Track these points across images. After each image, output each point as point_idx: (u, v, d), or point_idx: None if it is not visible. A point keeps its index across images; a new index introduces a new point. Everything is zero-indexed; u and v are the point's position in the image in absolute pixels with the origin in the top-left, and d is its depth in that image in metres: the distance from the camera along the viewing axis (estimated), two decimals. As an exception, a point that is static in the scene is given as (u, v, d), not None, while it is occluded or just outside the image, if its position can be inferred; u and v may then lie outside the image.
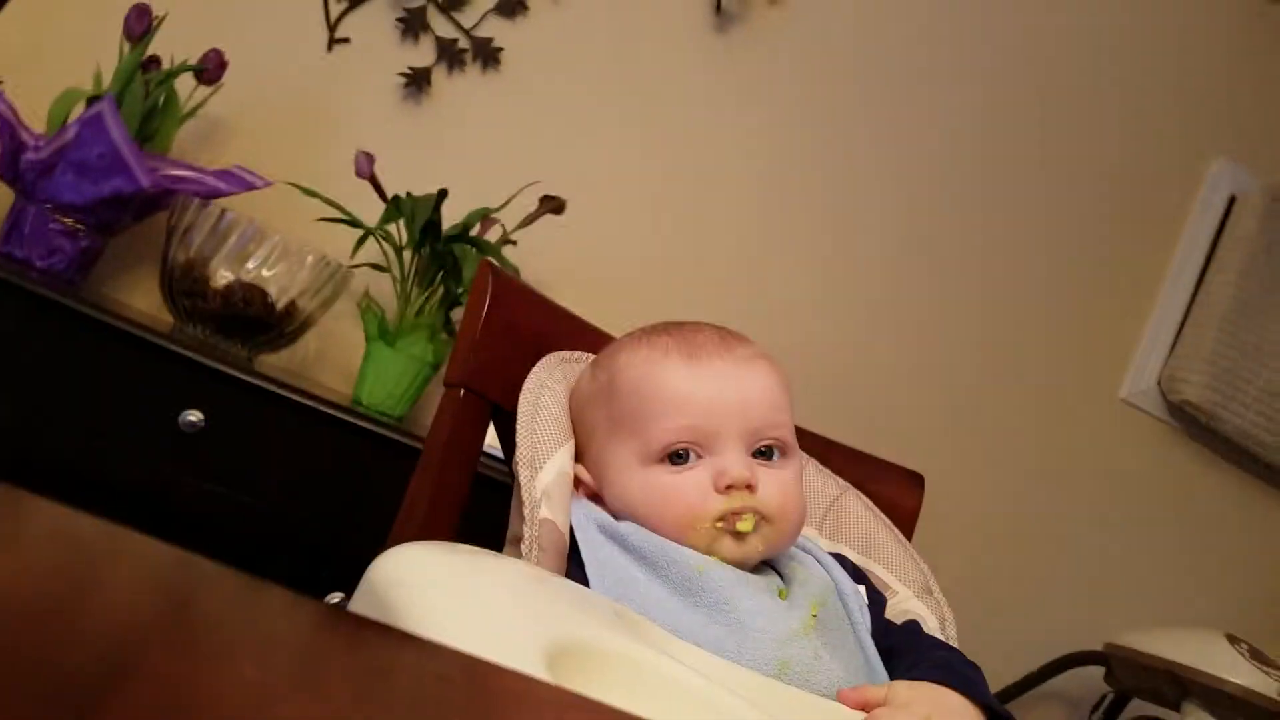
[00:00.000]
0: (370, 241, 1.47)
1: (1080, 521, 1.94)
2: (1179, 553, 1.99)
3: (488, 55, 1.67)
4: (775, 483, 0.75)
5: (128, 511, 1.01)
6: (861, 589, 0.81)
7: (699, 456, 0.75)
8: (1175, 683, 1.53)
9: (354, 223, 1.45)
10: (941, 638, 0.86)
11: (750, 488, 0.74)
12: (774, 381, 0.78)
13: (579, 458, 0.81)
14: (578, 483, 0.79)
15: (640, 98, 1.74)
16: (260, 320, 1.33)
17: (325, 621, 0.31)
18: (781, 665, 0.68)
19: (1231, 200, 1.96)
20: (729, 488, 0.73)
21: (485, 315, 0.86)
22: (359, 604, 0.51)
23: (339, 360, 1.59)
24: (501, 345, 0.87)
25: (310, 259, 1.36)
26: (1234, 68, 2.02)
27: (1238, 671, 1.48)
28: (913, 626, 0.83)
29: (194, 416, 1.15)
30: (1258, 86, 2.03)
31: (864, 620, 0.78)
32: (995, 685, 1.07)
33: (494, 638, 0.45)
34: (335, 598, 1.11)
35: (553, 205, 1.57)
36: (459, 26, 1.66)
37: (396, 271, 1.49)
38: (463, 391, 0.85)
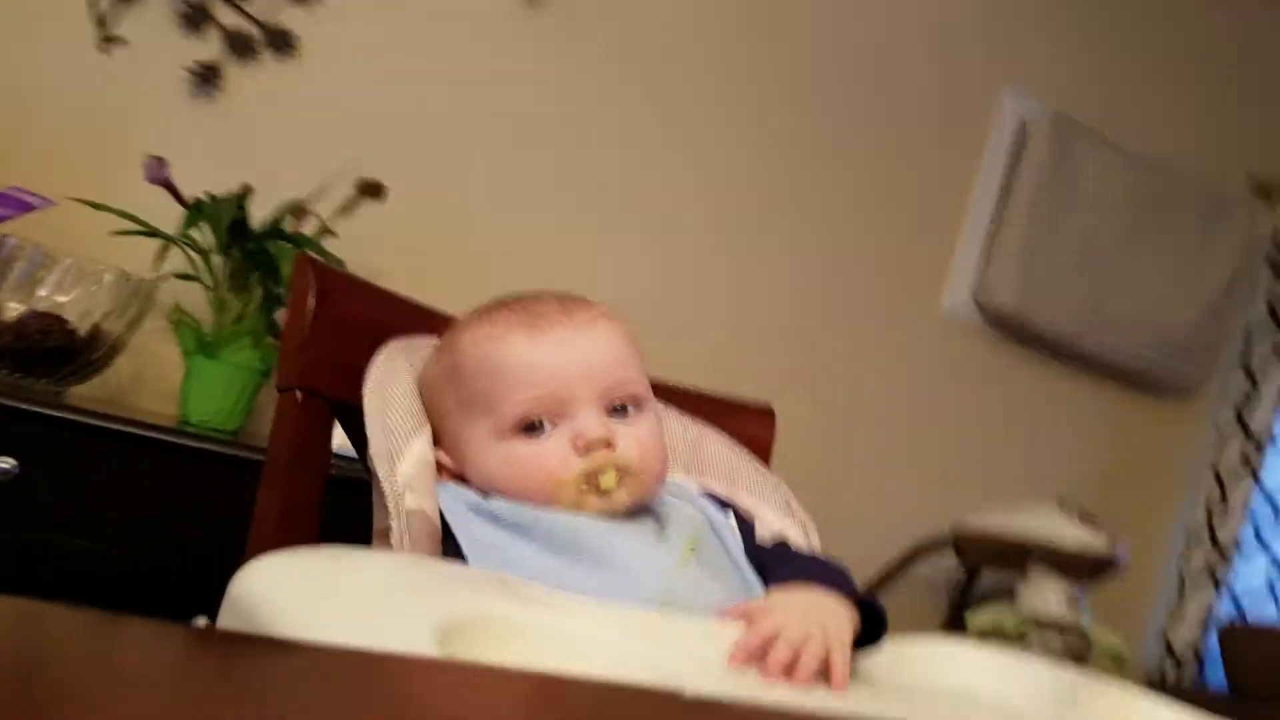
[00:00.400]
0: (176, 251, 1.38)
1: (917, 425, 2.06)
2: (1008, 439, 2.14)
3: (281, 42, 1.58)
4: (632, 436, 0.77)
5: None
6: (731, 519, 0.84)
7: (554, 424, 0.75)
8: (1018, 551, 1.66)
9: (152, 232, 1.36)
10: (807, 548, 0.90)
11: (609, 445, 0.75)
12: (619, 339, 0.80)
13: (437, 442, 0.79)
14: (440, 468, 0.78)
15: (449, 74, 1.69)
16: (63, 350, 1.24)
17: (193, 647, 0.30)
18: (665, 596, 0.71)
19: (1022, 125, 2.10)
20: (588, 448, 0.74)
21: (311, 311, 0.83)
22: (226, 625, 0.49)
23: (158, 381, 1.50)
24: (333, 341, 0.84)
25: (109, 277, 1.27)
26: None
27: (1070, 532, 1.61)
28: (780, 543, 0.87)
29: (4, 464, 1.06)
30: (1044, 16, 2.15)
31: (736, 543, 0.81)
32: (861, 580, 1.14)
33: (378, 626, 0.44)
34: (200, 621, 1.06)
35: (370, 190, 1.52)
36: (247, 15, 1.56)
37: (207, 279, 1.41)
38: (299, 394, 0.82)
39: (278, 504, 0.77)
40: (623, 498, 0.75)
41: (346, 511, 0.83)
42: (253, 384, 1.41)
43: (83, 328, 1.25)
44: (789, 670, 0.62)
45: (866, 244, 2.02)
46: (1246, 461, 2.21)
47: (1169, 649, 2.18)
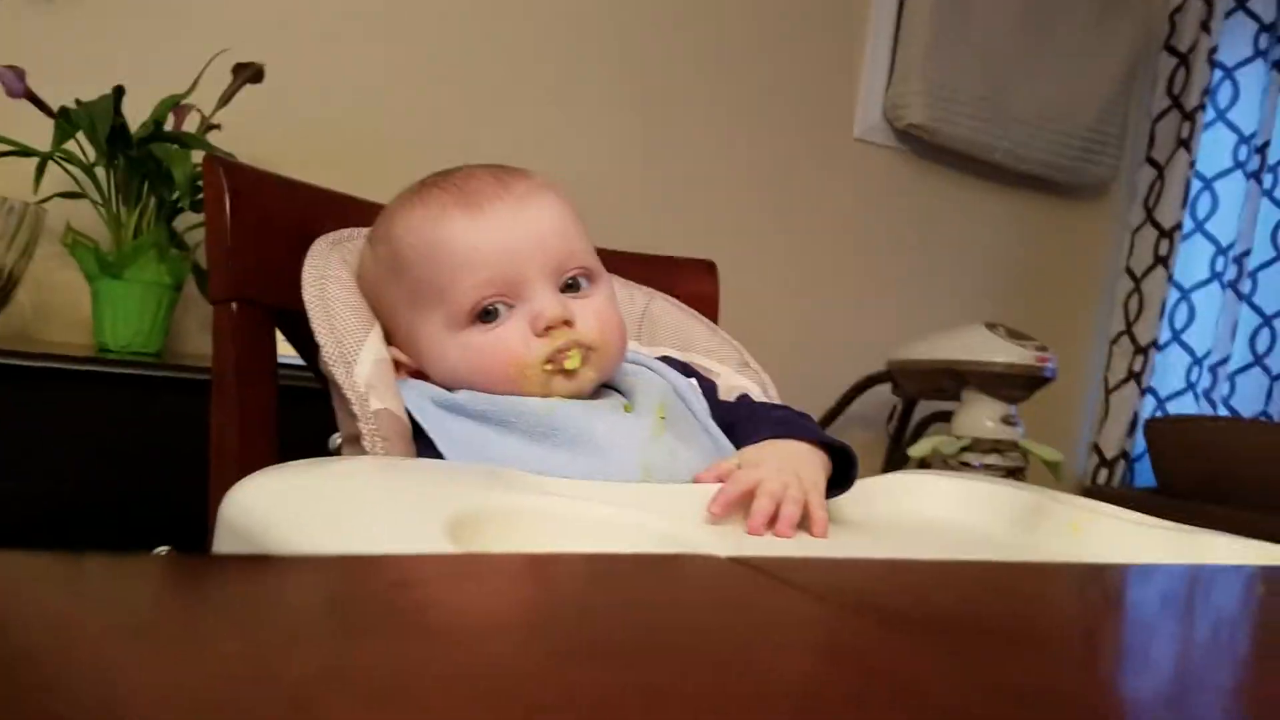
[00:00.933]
0: (54, 168, 1.28)
1: (843, 258, 2.08)
2: (931, 262, 2.18)
3: (116, -78, 1.44)
4: (590, 311, 0.75)
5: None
6: (693, 380, 0.84)
7: (509, 307, 0.73)
8: (951, 376, 1.72)
9: (25, 151, 1.26)
10: (767, 400, 0.92)
11: (568, 323, 0.73)
12: (562, 210, 0.77)
13: (389, 339, 0.77)
14: (397, 366, 0.76)
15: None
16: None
17: (170, 575, 0.28)
18: (645, 470, 0.71)
19: None
20: (547, 329, 0.72)
21: (231, 216, 0.78)
22: (223, 545, 0.47)
23: (66, 309, 1.42)
24: (259, 244, 0.80)
25: (-10, 206, 1.18)
26: None
27: (999, 351, 1.67)
28: (743, 399, 0.88)
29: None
30: None
31: (702, 407, 0.82)
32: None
33: (389, 530, 0.43)
34: (162, 550, 1.04)
35: (249, 73, 1.41)
36: (69, -105, 1.41)
37: (95, 195, 1.32)
38: (234, 305, 0.78)
39: (235, 420, 0.74)
40: (589, 375, 0.75)
41: (298, 421, 0.81)
42: (166, 299, 1.34)
43: (-28, 263, 1.16)
44: (771, 522, 0.64)
45: (773, 82, 1.98)
46: (1158, 256, 2.27)
47: (1099, 454, 2.29)
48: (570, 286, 0.76)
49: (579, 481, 0.63)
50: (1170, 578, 0.47)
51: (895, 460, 1.94)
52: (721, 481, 0.67)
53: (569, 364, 0.73)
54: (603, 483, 0.64)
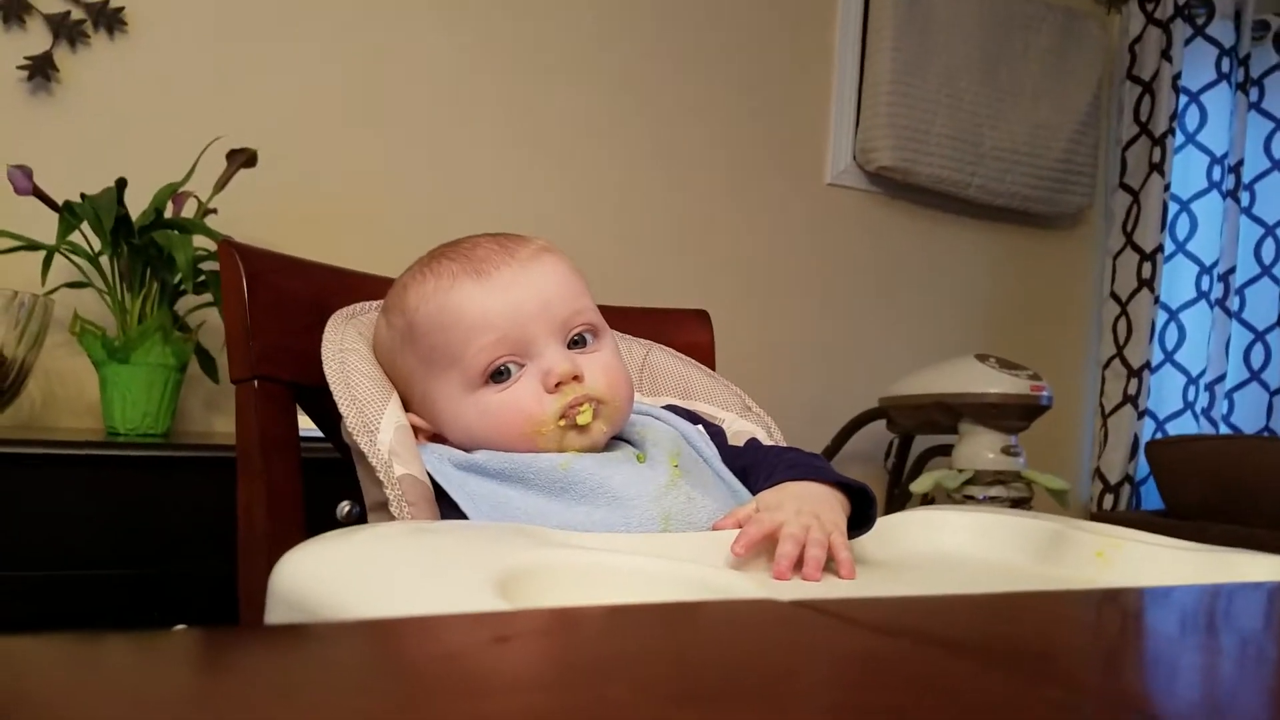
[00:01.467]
0: (61, 259, 1.30)
1: (830, 301, 2.11)
2: (918, 300, 2.21)
3: (109, 19, 1.48)
4: (598, 366, 0.77)
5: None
6: (700, 427, 0.86)
7: (520, 366, 0.75)
8: (945, 410, 1.73)
9: (33, 245, 1.28)
10: (773, 443, 0.93)
11: (577, 378, 0.75)
12: (565, 271, 0.79)
13: (406, 407, 0.78)
14: (416, 431, 0.77)
15: (293, 23, 1.61)
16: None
17: (188, 651, 0.29)
18: (664, 520, 0.72)
19: None
20: (558, 385, 0.75)
21: (248, 297, 0.80)
22: (276, 616, 0.48)
23: (74, 397, 1.43)
24: (276, 322, 0.82)
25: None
26: None
27: (992, 382, 1.69)
28: (752, 443, 0.89)
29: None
30: None
31: (713, 453, 0.83)
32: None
33: (440, 592, 0.44)
34: (179, 628, 1.04)
35: (244, 158, 1.45)
36: (64, -5, 1.45)
37: (100, 283, 1.34)
38: (256, 382, 0.79)
39: (262, 495, 0.75)
40: (601, 429, 0.76)
41: (319, 492, 0.82)
42: (173, 381, 1.36)
43: (-17, 356, 1.18)
44: (797, 565, 0.65)
45: (747, 135, 2.02)
46: (1141, 279, 2.30)
47: (1103, 479, 2.30)
48: (576, 342, 0.78)
49: (606, 534, 0.64)
50: (1201, 597, 0.49)
51: (896, 497, 1.94)
52: (741, 527, 0.68)
53: (581, 419, 0.75)
54: (630, 534, 0.65)
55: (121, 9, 1.48)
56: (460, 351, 0.75)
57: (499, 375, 0.75)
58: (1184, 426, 2.33)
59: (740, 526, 0.68)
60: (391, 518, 0.71)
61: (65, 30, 1.45)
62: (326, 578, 0.46)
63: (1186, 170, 2.36)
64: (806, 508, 0.69)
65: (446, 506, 0.73)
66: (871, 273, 2.15)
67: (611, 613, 0.31)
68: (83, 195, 1.30)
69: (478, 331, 0.74)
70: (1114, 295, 2.35)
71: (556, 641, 0.29)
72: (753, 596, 0.37)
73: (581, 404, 0.75)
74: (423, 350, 0.76)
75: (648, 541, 0.65)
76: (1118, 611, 0.43)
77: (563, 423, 0.74)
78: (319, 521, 0.77)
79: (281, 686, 0.24)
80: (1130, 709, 0.26)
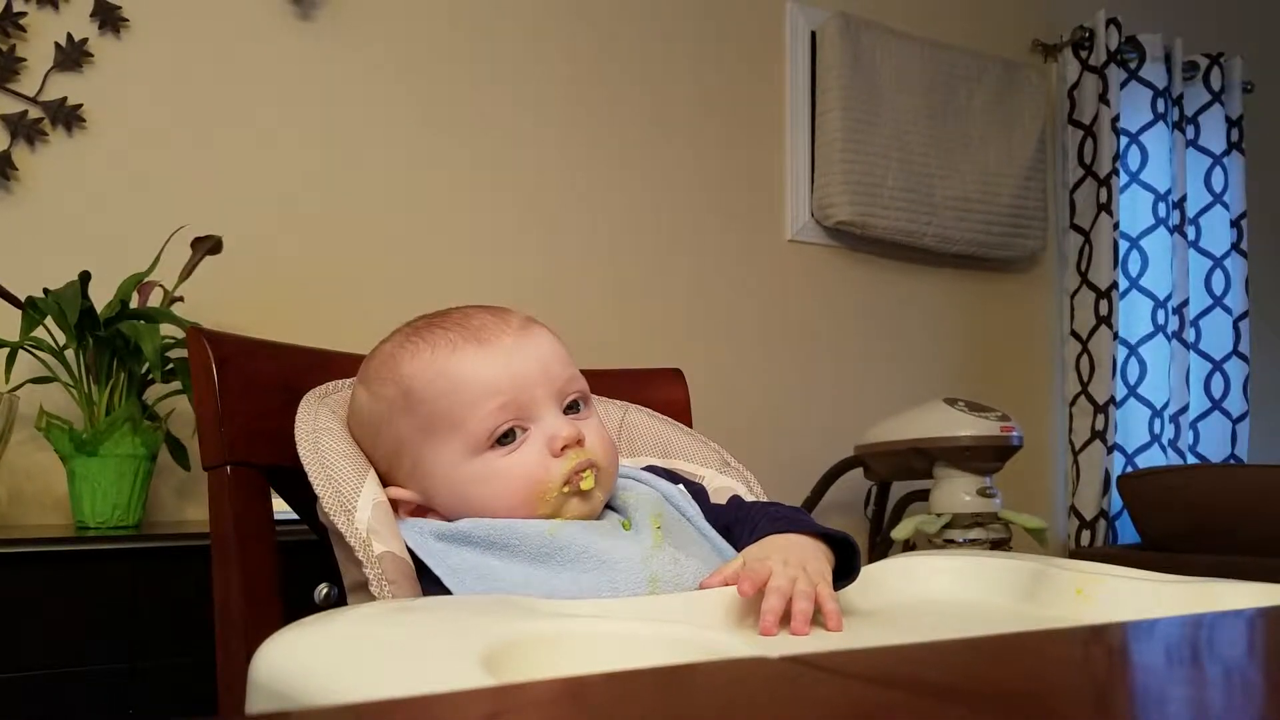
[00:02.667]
0: (25, 355, 1.29)
1: (795, 355, 2.13)
2: (884, 348, 2.23)
3: (67, 117, 1.49)
4: (593, 430, 0.79)
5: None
6: (680, 486, 0.86)
7: (523, 430, 0.76)
8: (919, 455, 1.75)
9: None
10: (754, 498, 0.93)
11: (580, 442, 0.76)
12: (554, 339, 0.81)
13: (391, 479, 0.78)
14: (396, 506, 0.77)
15: (246, 107, 1.62)
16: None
17: None
18: (652, 583, 0.72)
19: (813, 35, 2.16)
20: (564, 448, 0.75)
21: (219, 383, 0.80)
22: (257, 706, 0.48)
23: (42, 493, 1.41)
24: (248, 406, 0.81)
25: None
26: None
27: (963, 425, 1.71)
28: (735, 500, 0.89)
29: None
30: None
31: (695, 511, 0.83)
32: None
33: (425, 671, 0.44)
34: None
35: (208, 245, 1.45)
36: (22, 96, 1.46)
37: (66, 377, 1.32)
38: (228, 469, 0.78)
39: (238, 581, 0.74)
40: (599, 496, 0.78)
41: (296, 576, 0.81)
42: (143, 471, 1.34)
43: (-54, 458, 1.16)
44: (785, 620, 0.64)
45: (706, 197, 2.05)
46: (1099, 316, 2.35)
47: (1079, 515, 2.31)
48: (571, 407, 0.79)
49: (594, 601, 0.63)
50: (1185, 628, 0.49)
51: (878, 544, 1.95)
52: (729, 584, 0.68)
53: (585, 485, 0.76)
54: (617, 600, 0.65)
55: (80, 106, 1.49)
56: (464, 416, 0.75)
57: (504, 439, 0.75)
58: (1153, 458, 2.36)
59: (729, 584, 0.68)
60: (372, 598, 0.70)
61: (23, 130, 1.45)
62: (307, 663, 0.45)
63: (1134, 208, 2.43)
64: (793, 559, 0.69)
65: (429, 582, 0.73)
66: (838, 324, 2.18)
67: (605, 681, 0.31)
68: (45, 290, 1.29)
69: (484, 397, 0.75)
70: (1074, 333, 2.39)
71: (551, 714, 0.29)
72: (744, 655, 0.37)
73: (585, 469, 0.76)
74: (421, 417, 0.76)
75: (635, 605, 0.65)
76: (1103, 648, 0.43)
77: (566, 489, 0.75)
78: (297, 605, 0.76)
79: None
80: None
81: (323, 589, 1.15)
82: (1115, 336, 2.33)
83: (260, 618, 0.74)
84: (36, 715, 1.04)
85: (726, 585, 0.69)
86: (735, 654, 0.45)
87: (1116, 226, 2.35)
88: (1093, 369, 2.34)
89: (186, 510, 1.50)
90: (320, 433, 0.78)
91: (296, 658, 0.47)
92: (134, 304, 1.36)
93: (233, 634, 0.74)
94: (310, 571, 1.12)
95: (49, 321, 1.30)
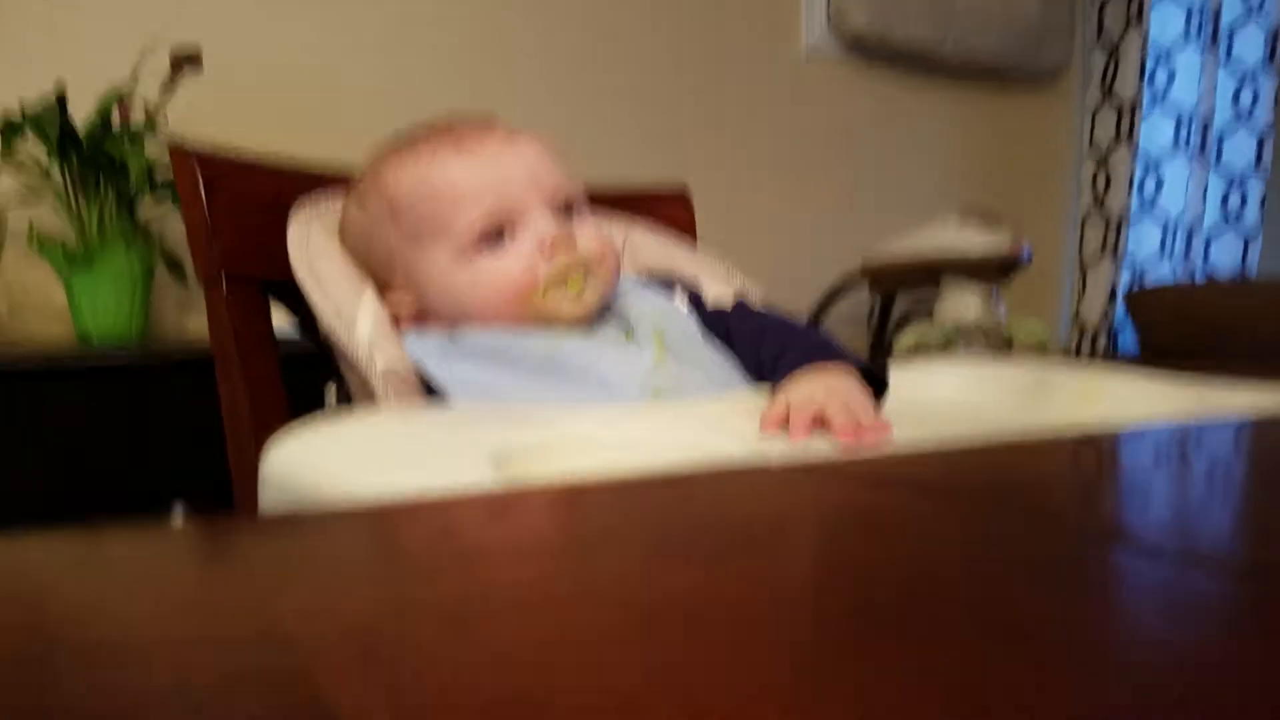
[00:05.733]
0: (6, 179, 1.26)
1: (808, 170, 2.08)
2: (897, 164, 2.17)
3: (29, -91, 1.38)
4: (587, 232, 0.77)
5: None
6: (679, 290, 0.85)
7: (512, 234, 0.75)
8: (928, 269, 1.73)
9: (-24, 159, 1.23)
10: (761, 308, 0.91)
11: (570, 242, 0.75)
12: (544, 147, 0.79)
13: (384, 291, 0.77)
14: (396, 319, 0.76)
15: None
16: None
17: (191, 538, 0.28)
18: (655, 395, 0.72)
19: None
20: (553, 248, 0.74)
21: (207, 201, 0.77)
22: (269, 502, 0.48)
23: (44, 304, 1.40)
24: (238, 224, 0.79)
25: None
26: None
27: (973, 241, 1.68)
28: (740, 305, 0.86)
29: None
30: None
31: (696, 323, 0.82)
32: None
33: (434, 471, 0.44)
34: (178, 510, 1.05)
35: (189, 59, 1.38)
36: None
37: (55, 199, 1.29)
38: (225, 282, 0.77)
39: (243, 392, 0.74)
40: (591, 297, 0.76)
41: (301, 388, 0.81)
42: (141, 285, 1.33)
43: (-59, 276, 1.14)
44: (820, 423, 0.61)
45: (716, 5, 1.95)
46: (1120, 133, 2.28)
47: (1080, 328, 2.33)
48: (564, 210, 0.77)
49: (598, 409, 0.63)
50: (1177, 431, 0.49)
51: (879, 357, 1.96)
52: (778, 426, 0.63)
53: (572, 287, 0.75)
54: (622, 408, 0.65)
55: (41, -101, 1.39)
56: (449, 221, 0.74)
57: (491, 241, 0.74)
58: (1161, 274, 2.34)
59: (779, 421, 0.63)
60: (377, 405, 0.71)
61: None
62: (318, 461, 0.45)
63: (1164, 22, 2.31)
64: (837, 399, 0.64)
65: (433, 396, 0.73)
66: (850, 140, 2.12)
67: (610, 485, 0.31)
68: (21, 108, 1.24)
69: (469, 199, 0.73)
70: (1093, 150, 2.33)
71: (557, 514, 0.29)
72: (746, 458, 0.36)
73: (575, 269, 0.74)
74: (408, 225, 0.75)
75: (640, 413, 0.64)
76: (1095, 450, 0.43)
77: (556, 291, 0.74)
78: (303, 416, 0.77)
79: (279, 574, 0.24)
80: (1112, 537, 0.27)
81: (332, 387, 1.16)
82: (1134, 153, 2.27)
83: (268, 424, 0.75)
84: (49, 524, 1.08)
85: (777, 428, 0.63)
86: (738, 457, 0.44)
87: (1145, 41, 2.25)
88: (1109, 184, 2.29)
89: (188, 323, 1.50)
90: (314, 249, 0.77)
91: (306, 456, 0.47)
92: (115, 121, 1.31)
93: (243, 442, 0.75)
94: (315, 384, 1.13)
95: (30, 140, 1.26)
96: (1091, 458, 0.42)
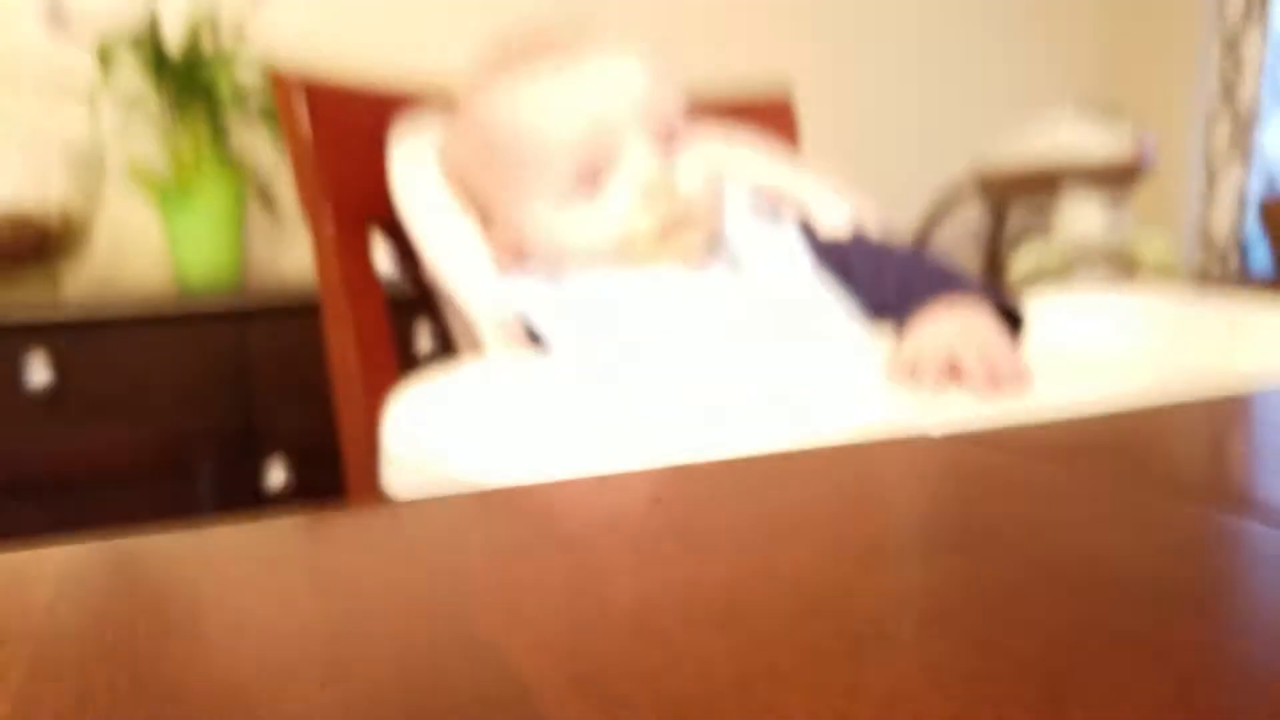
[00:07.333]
0: (103, 107, 1.26)
1: (919, 55, 1.96)
2: (1008, 46, 2.03)
3: None
4: (689, 171, 0.72)
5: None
6: (789, 225, 0.80)
7: (611, 172, 0.70)
8: (1043, 178, 1.63)
9: (76, 89, 1.23)
10: (879, 238, 0.86)
11: (670, 185, 0.70)
12: (646, 64, 0.73)
13: (485, 226, 0.74)
14: (498, 259, 0.73)
15: None
16: (41, 244, 1.16)
17: (289, 535, 0.27)
18: (766, 333, 0.69)
19: None
20: (652, 193, 0.70)
21: (309, 133, 0.75)
22: (392, 462, 0.47)
23: (142, 243, 1.41)
24: (342, 156, 0.77)
25: (55, 155, 1.16)
26: None
27: (1094, 144, 1.57)
28: (858, 237, 0.81)
29: (40, 375, 1.02)
30: None
31: (809, 254, 0.77)
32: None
33: (567, 447, 0.42)
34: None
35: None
36: None
37: (150, 127, 1.29)
38: (331, 222, 0.75)
39: (352, 340, 0.73)
40: (696, 242, 0.72)
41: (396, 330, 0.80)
42: (235, 221, 1.33)
43: (51, 215, 1.16)
44: (954, 371, 0.56)
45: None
46: (1250, 12, 2.10)
47: (1209, 243, 2.18)
48: (666, 140, 0.72)
49: (714, 357, 0.60)
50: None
51: (996, 281, 1.87)
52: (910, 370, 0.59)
53: (675, 238, 0.70)
54: (741, 353, 0.61)
55: None
56: (546, 161, 0.69)
57: (590, 180, 0.70)
58: (1294, 175, 2.18)
59: (910, 370, 0.58)
60: (484, 353, 0.69)
61: None
62: (444, 428, 0.43)
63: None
64: (972, 341, 0.59)
65: (537, 338, 0.71)
66: (956, 23, 1.99)
67: (770, 462, 0.28)
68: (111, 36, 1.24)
69: (564, 136, 0.69)
70: (1222, 30, 2.15)
71: (716, 501, 0.26)
72: (901, 426, 0.33)
73: (676, 223, 0.70)
74: (504, 163, 0.71)
75: (759, 376, 0.60)
76: (1233, 412, 0.40)
77: (659, 236, 0.70)
78: (401, 360, 0.76)
79: (446, 558, 0.22)
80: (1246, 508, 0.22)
81: (423, 344, 1.16)
82: (1264, 35, 2.09)
83: (375, 369, 0.74)
84: (152, 466, 1.10)
85: (907, 375, 0.59)
86: (890, 424, 0.41)
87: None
88: (1239, 74, 2.12)
89: (280, 258, 1.51)
90: (418, 184, 0.74)
91: (435, 421, 0.45)
92: (206, 45, 1.30)
93: (350, 385, 0.74)
94: (407, 327, 1.13)
95: (126, 66, 1.25)
96: (1228, 420, 0.38)
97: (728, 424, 0.45)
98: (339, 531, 0.28)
